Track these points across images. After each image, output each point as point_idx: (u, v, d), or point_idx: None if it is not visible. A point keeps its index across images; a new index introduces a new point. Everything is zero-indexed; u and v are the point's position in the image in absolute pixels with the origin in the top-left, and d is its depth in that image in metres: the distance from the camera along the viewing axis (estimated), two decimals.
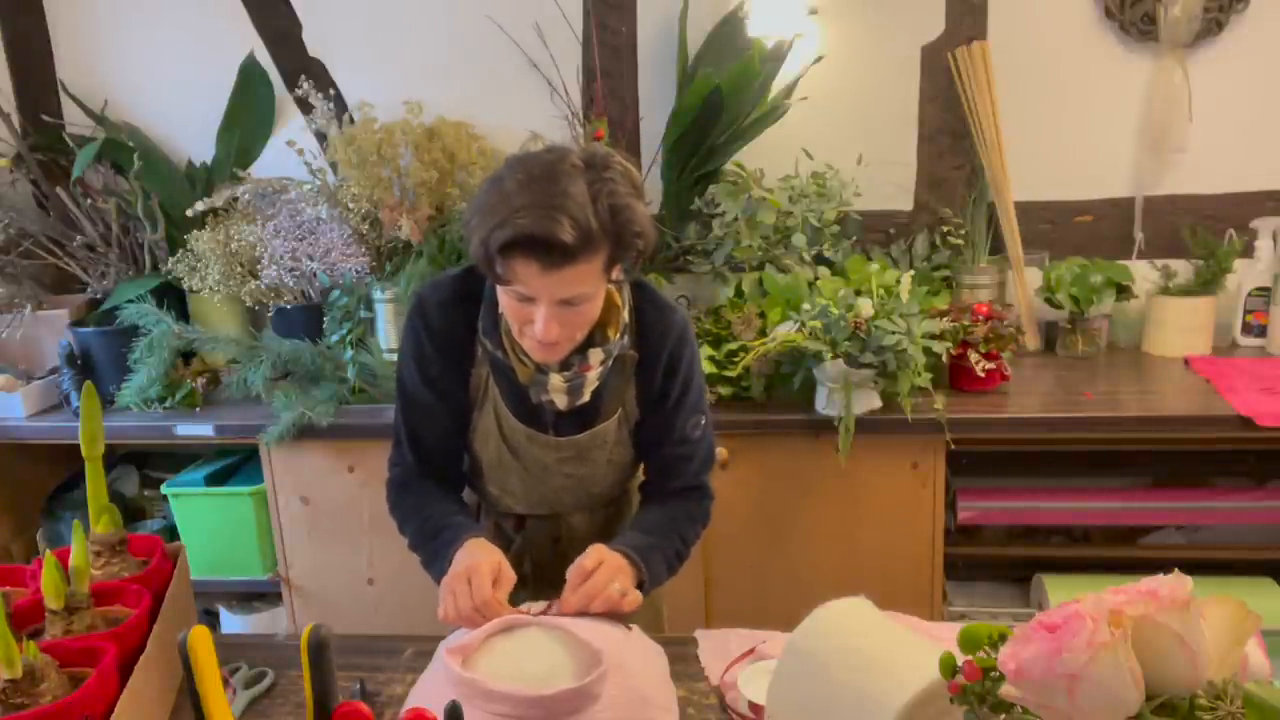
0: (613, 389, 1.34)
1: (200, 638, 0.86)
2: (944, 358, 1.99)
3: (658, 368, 1.34)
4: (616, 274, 1.22)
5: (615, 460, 1.41)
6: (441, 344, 1.33)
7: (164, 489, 2.32)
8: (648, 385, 1.35)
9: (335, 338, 2.27)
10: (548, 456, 1.37)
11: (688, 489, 1.43)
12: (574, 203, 1.09)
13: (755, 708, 1.12)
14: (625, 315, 1.30)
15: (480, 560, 1.21)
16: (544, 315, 1.16)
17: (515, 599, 1.23)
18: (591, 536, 1.43)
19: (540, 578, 1.45)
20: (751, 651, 1.25)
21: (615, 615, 1.21)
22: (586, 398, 1.31)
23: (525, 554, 1.46)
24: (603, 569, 1.22)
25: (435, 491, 1.40)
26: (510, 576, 1.22)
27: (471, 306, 1.31)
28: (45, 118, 2.60)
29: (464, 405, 1.37)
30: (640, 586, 1.27)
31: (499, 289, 1.20)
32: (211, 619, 2.46)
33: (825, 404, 1.98)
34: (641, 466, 1.50)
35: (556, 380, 1.27)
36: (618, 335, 1.29)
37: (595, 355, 1.27)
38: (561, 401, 1.30)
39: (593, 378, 1.29)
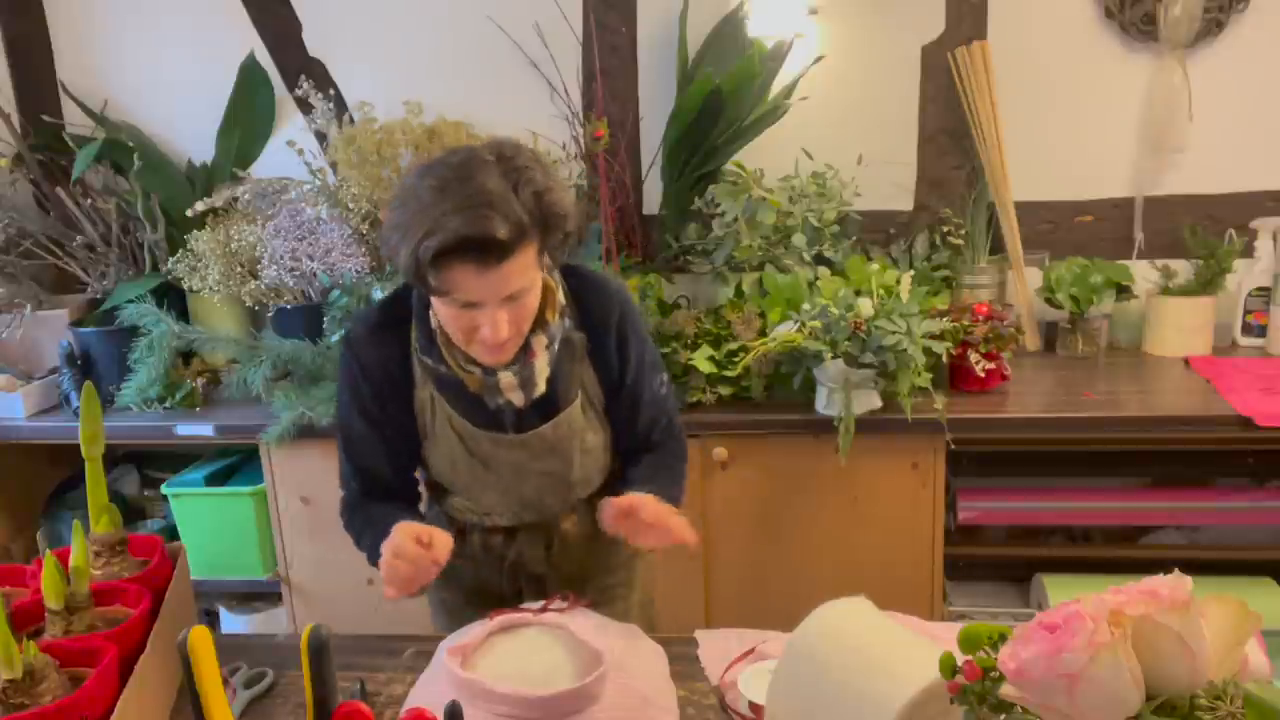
0: (567, 374, 1.32)
1: (200, 638, 0.86)
2: (944, 358, 1.98)
3: (609, 344, 1.33)
4: (545, 261, 1.20)
5: (589, 447, 1.38)
6: (376, 374, 1.30)
7: (164, 489, 2.32)
8: (605, 364, 1.34)
9: (335, 338, 2.27)
10: (517, 456, 1.33)
11: (664, 438, 1.45)
12: (497, 197, 1.07)
13: (755, 708, 1.12)
14: (561, 297, 1.28)
15: (410, 525, 1.20)
16: (492, 317, 1.14)
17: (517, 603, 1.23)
18: (583, 541, 1.42)
19: (536, 590, 1.43)
20: (752, 651, 1.25)
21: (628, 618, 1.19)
22: (542, 387, 1.28)
23: (519, 568, 1.43)
24: (651, 502, 1.21)
25: (388, 504, 1.37)
26: (445, 538, 1.19)
27: (402, 330, 1.29)
28: (45, 118, 2.60)
29: (408, 433, 1.35)
30: None
31: (436, 303, 1.18)
32: (211, 619, 2.46)
33: (825, 404, 1.98)
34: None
35: (507, 378, 1.24)
36: (556, 317, 1.26)
37: (539, 341, 1.25)
38: (517, 398, 1.27)
39: (541, 365, 1.26)
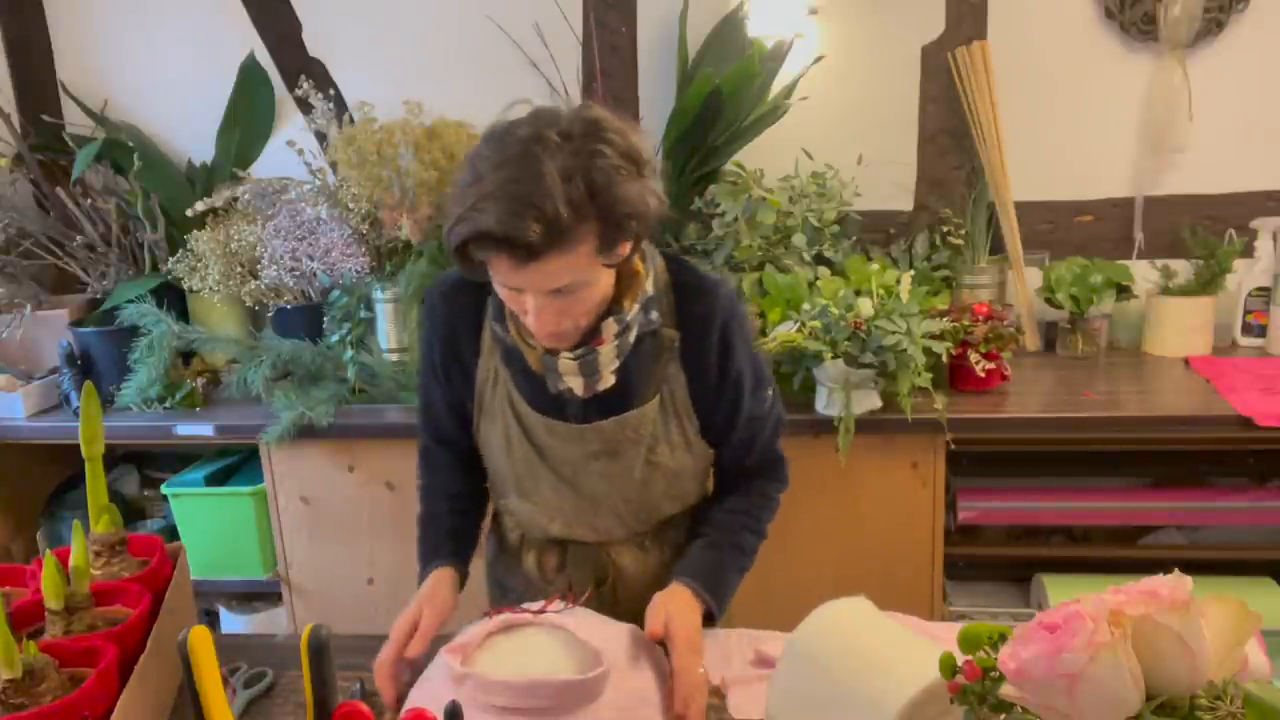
0: (645, 373, 1.21)
1: (200, 638, 0.86)
2: (944, 358, 1.98)
3: (710, 351, 1.21)
4: (625, 249, 1.08)
5: (658, 463, 1.25)
6: (444, 332, 1.27)
7: (164, 489, 2.31)
8: (702, 372, 1.22)
9: (335, 338, 2.27)
10: (573, 452, 1.23)
11: (759, 465, 1.36)
12: (542, 191, 0.96)
13: None
14: (649, 286, 1.17)
15: (407, 612, 1.20)
16: (533, 307, 1.07)
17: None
18: (643, 581, 1.32)
19: None
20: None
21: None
22: (609, 380, 1.17)
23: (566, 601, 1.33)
24: (691, 685, 1.10)
25: (449, 479, 1.38)
26: (427, 632, 1.18)
27: (480, 291, 1.21)
28: (45, 118, 2.60)
29: (466, 404, 1.30)
30: (709, 616, 1.22)
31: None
32: (211, 619, 2.46)
33: (825, 404, 1.98)
34: (707, 486, 1.40)
35: (566, 362, 1.15)
36: (635, 306, 1.15)
37: (609, 328, 1.14)
38: (577, 386, 1.16)
39: (608, 354, 1.15)
